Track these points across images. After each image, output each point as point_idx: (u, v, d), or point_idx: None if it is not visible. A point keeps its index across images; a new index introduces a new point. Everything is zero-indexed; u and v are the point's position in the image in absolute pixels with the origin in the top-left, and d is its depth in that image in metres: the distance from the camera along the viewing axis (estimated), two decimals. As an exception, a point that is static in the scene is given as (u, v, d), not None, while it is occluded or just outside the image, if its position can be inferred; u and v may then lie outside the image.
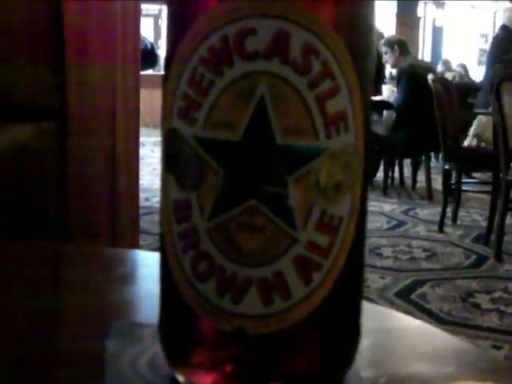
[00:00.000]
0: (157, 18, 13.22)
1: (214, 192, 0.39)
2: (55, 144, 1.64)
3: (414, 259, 4.08)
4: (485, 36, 15.07)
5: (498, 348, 2.76)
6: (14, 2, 1.62)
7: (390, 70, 6.58)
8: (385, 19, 13.48)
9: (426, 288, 3.51)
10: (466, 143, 6.49)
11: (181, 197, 0.40)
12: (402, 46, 6.39)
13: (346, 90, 0.39)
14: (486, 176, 5.56)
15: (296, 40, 0.38)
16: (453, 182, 5.11)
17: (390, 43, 6.38)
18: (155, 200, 5.11)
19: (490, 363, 0.51)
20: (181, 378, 0.42)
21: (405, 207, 5.67)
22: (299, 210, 0.38)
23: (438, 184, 5.93)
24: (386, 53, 6.39)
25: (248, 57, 0.38)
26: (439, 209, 5.01)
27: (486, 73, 6.94)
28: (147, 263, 0.74)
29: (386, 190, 6.21)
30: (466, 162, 4.89)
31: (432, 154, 6.57)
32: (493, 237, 4.29)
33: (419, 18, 15.12)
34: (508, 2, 7.60)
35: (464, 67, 11.25)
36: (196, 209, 0.39)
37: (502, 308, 3.22)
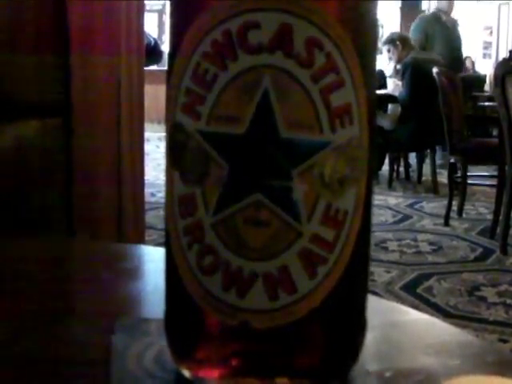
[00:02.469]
0: (161, 13, 13.22)
1: (219, 186, 0.39)
2: (60, 140, 1.64)
3: (419, 253, 4.07)
4: (489, 29, 15.03)
5: (505, 341, 2.75)
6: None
7: (394, 65, 6.57)
8: (389, 13, 13.46)
9: (431, 281, 3.50)
10: None
11: (185, 192, 0.40)
12: (404, 40, 6.40)
13: (351, 83, 0.39)
14: (491, 169, 5.55)
15: (299, 33, 0.38)
16: (458, 175, 5.11)
17: (392, 40, 6.39)
18: (160, 195, 5.12)
19: (497, 356, 0.51)
20: (186, 373, 0.42)
21: (410, 201, 5.66)
22: (304, 203, 0.38)
23: (443, 177, 5.93)
24: (388, 50, 6.39)
25: (251, 50, 0.38)
26: (445, 202, 5.00)
27: None
28: (152, 258, 0.74)
29: (391, 183, 6.21)
30: (471, 155, 4.88)
31: (437, 147, 6.56)
32: (499, 230, 4.28)
33: (423, 12, 15.08)
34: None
35: (469, 60, 11.23)
36: (201, 203, 0.39)
37: (509, 301, 3.22)
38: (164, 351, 0.44)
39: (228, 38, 0.38)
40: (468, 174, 5.07)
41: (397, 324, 0.57)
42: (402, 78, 6.09)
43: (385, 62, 6.57)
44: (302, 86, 0.38)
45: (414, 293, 3.33)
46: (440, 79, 4.96)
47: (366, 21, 0.41)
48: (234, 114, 0.38)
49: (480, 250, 4.18)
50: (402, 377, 0.46)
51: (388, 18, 13.31)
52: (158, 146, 7.79)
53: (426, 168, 6.36)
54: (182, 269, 0.41)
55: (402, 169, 6.65)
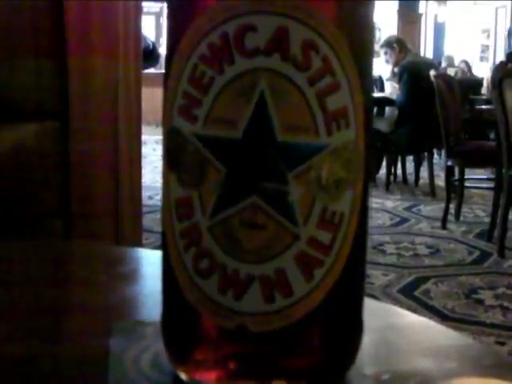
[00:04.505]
0: (158, 16, 13.24)
1: (216, 189, 0.39)
2: (58, 143, 1.64)
3: (417, 256, 4.07)
4: (487, 32, 15.06)
5: (502, 344, 2.75)
6: (17, 1, 1.62)
7: (391, 68, 6.58)
8: (386, 16, 13.48)
9: (429, 284, 3.50)
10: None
11: (182, 195, 0.40)
12: (401, 43, 6.41)
13: (347, 86, 0.39)
14: (488, 172, 5.55)
15: (296, 36, 0.38)
16: (456, 178, 5.11)
17: (389, 43, 6.40)
18: (157, 198, 5.11)
19: (494, 359, 0.51)
20: (183, 376, 0.42)
21: (408, 204, 5.66)
22: (300, 206, 0.38)
23: (440, 180, 5.93)
24: (386, 53, 6.40)
25: (248, 53, 0.38)
26: (442, 205, 5.00)
27: None
28: (150, 261, 0.74)
29: (388, 186, 6.21)
30: (468, 158, 4.88)
31: (435, 150, 6.57)
32: (496, 233, 4.28)
33: (421, 15, 15.10)
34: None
35: (466, 63, 11.25)
36: (197, 206, 0.39)
37: (506, 304, 3.22)
38: (161, 354, 0.44)
39: (225, 40, 0.38)
40: (465, 176, 5.08)
41: (394, 327, 0.57)
42: (399, 81, 6.09)
43: (382, 65, 6.59)
44: (299, 89, 0.38)
45: (412, 296, 3.33)
46: (437, 82, 4.97)
47: (362, 23, 0.41)
48: (231, 117, 0.38)
49: (477, 252, 4.18)
50: (398, 379, 0.46)
51: (385, 21, 13.34)
52: (155, 149, 7.79)
53: (424, 171, 6.36)
54: (179, 271, 0.41)
55: (399, 172, 6.65)
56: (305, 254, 0.39)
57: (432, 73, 5.22)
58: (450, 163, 4.98)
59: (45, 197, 1.62)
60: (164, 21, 12.57)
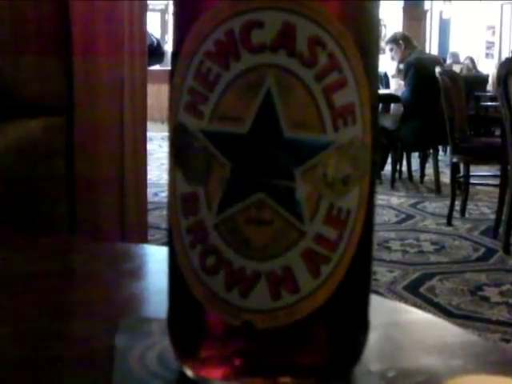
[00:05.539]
0: (163, 13, 13.25)
1: (222, 186, 0.39)
2: (62, 139, 1.64)
3: (422, 253, 4.07)
4: (492, 28, 15.03)
5: (507, 341, 2.75)
6: (22, 0, 1.62)
7: (396, 64, 6.58)
8: (392, 13, 13.47)
9: (434, 281, 3.50)
10: None
11: (188, 191, 0.40)
12: (407, 40, 6.41)
13: (353, 83, 0.39)
14: (494, 169, 5.55)
15: (302, 32, 0.37)
16: (461, 175, 5.11)
17: (395, 39, 6.40)
18: (163, 195, 5.12)
19: (499, 356, 0.51)
20: (189, 373, 0.42)
21: (413, 201, 5.66)
22: (307, 203, 0.38)
23: (446, 177, 5.92)
24: (391, 50, 6.40)
25: (254, 50, 0.38)
26: (447, 202, 5.00)
27: None
28: (156, 258, 0.74)
29: (394, 183, 6.21)
30: (473, 155, 4.88)
31: (440, 147, 6.57)
32: (501, 230, 4.28)
33: (426, 11, 15.08)
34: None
35: (472, 60, 11.24)
36: (203, 203, 0.39)
37: (511, 301, 3.22)
38: (166, 351, 0.44)
39: (231, 37, 0.38)
40: (471, 173, 5.07)
41: (399, 324, 0.57)
42: (405, 78, 6.09)
43: (387, 62, 6.59)
44: (305, 85, 0.38)
45: (417, 292, 3.33)
46: (442, 79, 4.96)
47: (368, 20, 0.41)
48: (237, 113, 0.38)
49: (483, 249, 4.18)
50: (404, 377, 0.46)
51: (391, 17, 13.33)
52: (160, 146, 7.80)
53: (429, 168, 6.36)
54: (185, 268, 0.41)
55: (404, 168, 6.65)
56: (311, 251, 0.39)
57: (437, 69, 5.22)
58: (455, 160, 4.98)
59: (49, 193, 1.62)
60: (169, 18, 12.58)
